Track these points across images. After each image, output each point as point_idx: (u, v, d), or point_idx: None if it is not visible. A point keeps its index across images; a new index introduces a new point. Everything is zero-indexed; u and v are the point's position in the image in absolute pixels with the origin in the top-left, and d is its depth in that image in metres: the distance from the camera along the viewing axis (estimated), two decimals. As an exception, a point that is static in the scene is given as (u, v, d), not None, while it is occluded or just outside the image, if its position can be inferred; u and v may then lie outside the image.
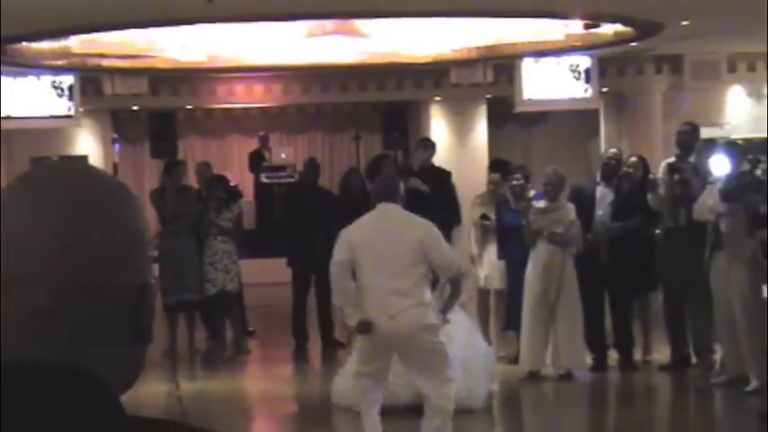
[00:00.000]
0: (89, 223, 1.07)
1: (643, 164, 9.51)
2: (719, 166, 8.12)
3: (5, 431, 0.98)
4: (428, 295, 5.87)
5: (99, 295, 1.06)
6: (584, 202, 8.98)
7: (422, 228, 5.89)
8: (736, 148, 8.40)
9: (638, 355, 9.17)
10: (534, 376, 8.68)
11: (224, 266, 10.24)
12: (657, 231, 9.07)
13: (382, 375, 6.02)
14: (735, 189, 7.74)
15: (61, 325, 1.05)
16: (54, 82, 14.15)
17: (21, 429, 0.98)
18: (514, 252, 9.02)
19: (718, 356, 8.48)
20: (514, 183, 9.34)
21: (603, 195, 9.05)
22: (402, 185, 6.22)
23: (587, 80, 14.64)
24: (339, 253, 5.92)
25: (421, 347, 5.80)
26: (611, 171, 9.14)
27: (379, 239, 5.82)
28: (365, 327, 5.80)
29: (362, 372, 6.03)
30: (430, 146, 10.62)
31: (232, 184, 11.89)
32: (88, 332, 1.06)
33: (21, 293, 1.05)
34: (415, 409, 6.56)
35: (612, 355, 9.10)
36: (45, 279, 1.05)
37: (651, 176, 9.05)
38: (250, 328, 11.33)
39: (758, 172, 8.14)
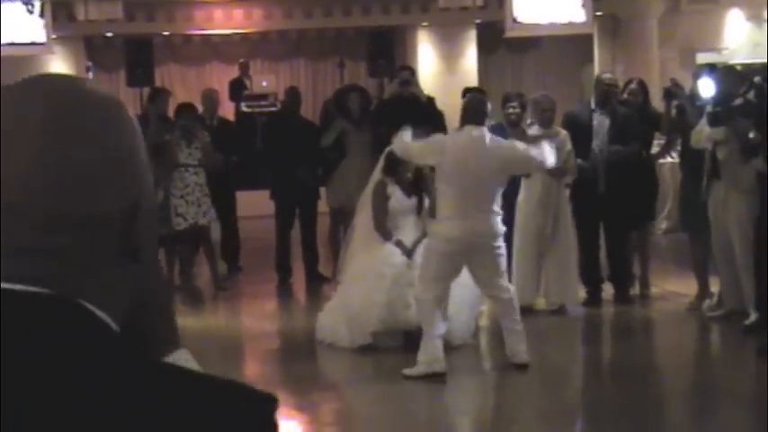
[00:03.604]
0: (69, 143, 1.00)
1: (643, 89, 9.17)
2: (707, 89, 7.86)
3: None
4: (498, 205, 6.63)
5: (83, 222, 1.00)
6: (580, 130, 8.64)
7: (504, 148, 6.68)
8: (721, 71, 8.10)
9: (659, 289, 8.96)
10: (526, 311, 8.44)
11: (196, 199, 9.85)
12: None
13: (447, 291, 6.64)
14: (721, 113, 7.43)
15: (46, 258, 0.99)
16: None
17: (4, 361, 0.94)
18: (509, 183, 8.70)
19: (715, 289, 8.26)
20: (510, 111, 9.00)
21: (600, 123, 8.71)
22: None
23: (581, 1, 14.22)
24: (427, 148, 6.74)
25: (490, 251, 6.56)
26: (607, 97, 8.77)
27: (467, 162, 6.48)
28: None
29: (429, 286, 6.58)
30: (407, 80, 10.24)
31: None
32: (75, 262, 1.00)
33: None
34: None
35: (608, 289, 8.86)
36: (24, 210, 0.99)
37: (667, 87, 8.72)
38: (239, 264, 11.11)
39: (750, 96, 7.80)
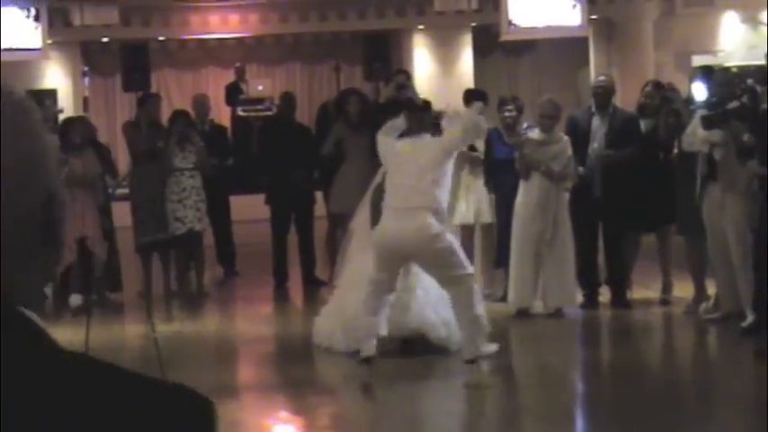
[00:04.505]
0: None
1: (659, 91, 8.96)
2: (701, 93, 7.89)
3: None
4: (437, 208, 6.61)
5: (6, 221, 1.03)
6: (581, 134, 8.64)
7: (435, 142, 6.83)
8: (718, 74, 8.12)
9: (656, 292, 8.92)
10: (523, 314, 8.44)
11: (193, 203, 9.88)
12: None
13: (390, 285, 6.72)
14: (715, 116, 7.43)
15: None
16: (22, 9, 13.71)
17: None
18: (506, 186, 8.70)
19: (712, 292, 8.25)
20: (507, 114, 8.99)
21: (598, 127, 8.70)
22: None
23: (577, 7, 14.26)
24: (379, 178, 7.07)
25: (427, 253, 6.59)
26: (601, 100, 8.76)
27: (397, 158, 6.72)
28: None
29: (373, 278, 6.72)
30: (403, 84, 10.22)
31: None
32: (3, 253, 1.03)
33: None
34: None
35: (605, 292, 8.86)
36: None
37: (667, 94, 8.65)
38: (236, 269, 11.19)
39: (744, 99, 7.81)
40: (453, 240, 6.82)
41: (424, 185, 6.62)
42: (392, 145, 6.91)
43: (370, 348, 6.64)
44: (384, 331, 6.72)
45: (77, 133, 9.58)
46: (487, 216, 9.24)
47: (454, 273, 6.62)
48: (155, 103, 10.37)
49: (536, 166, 8.41)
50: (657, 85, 9.15)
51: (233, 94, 17.01)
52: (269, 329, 8.86)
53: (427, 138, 6.94)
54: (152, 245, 9.92)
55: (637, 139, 8.63)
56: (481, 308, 6.74)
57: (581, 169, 8.57)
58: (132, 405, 0.99)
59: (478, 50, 17.27)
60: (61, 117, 13.49)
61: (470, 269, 6.84)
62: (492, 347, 6.77)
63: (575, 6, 14.65)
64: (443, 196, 6.78)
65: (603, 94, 8.80)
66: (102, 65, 17.72)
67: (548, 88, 14.80)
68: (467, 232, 9.38)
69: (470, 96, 9.73)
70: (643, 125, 8.81)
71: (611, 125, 8.67)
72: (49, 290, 9.91)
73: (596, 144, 8.67)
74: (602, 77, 9.41)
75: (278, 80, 17.98)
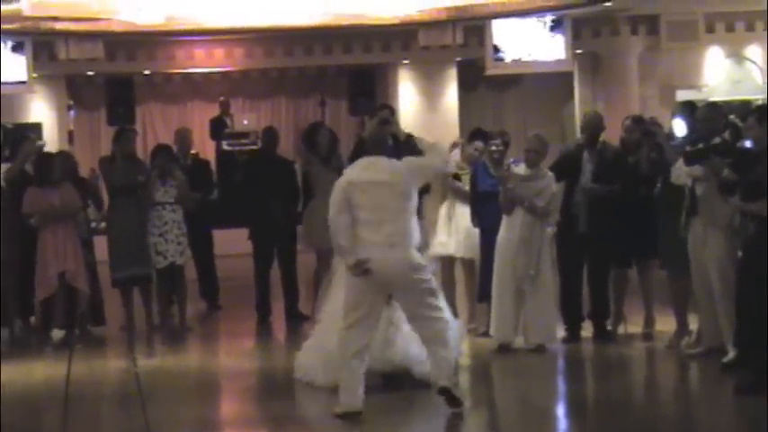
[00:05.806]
0: None
1: (639, 125, 8.94)
2: (681, 129, 7.94)
3: None
4: (417, 236, 6.48)
5: None
6: (572, 168, 8.71)
7: (401, 165, 6.58)
8: (704, 109, 8.18)
9: (638, 327, 8.93)
10: (505, 349, 8.42)
11: (175, 237, 9.92)
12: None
13: (370, 323, 6.47)
14: (695, 152, 7.47)
15: None
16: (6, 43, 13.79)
17: None
18: (491, 220, 8.70)
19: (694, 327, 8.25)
20: (494, 148, 9.01)
21: (587, 161, 8.74)
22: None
23: (561, 41, 14.40)
24: (336, 194, 6.52)
25: (412, 284, 6.39)
26: (588, 138, 8.81)
27: (372, 181, 6.46)
28: (361, 265, 6.36)
29: (349, 321, 6.46)
30: (387, 119, 10.24)
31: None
32: None
33: None
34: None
35: (588, 327, 8.86)
36: None
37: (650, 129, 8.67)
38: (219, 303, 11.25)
39: (726, 135, 7.87)
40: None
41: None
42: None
43: (355, 403, 6.42)
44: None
45: (57, 167, 9.61)
46: (468, 251, 9.23)
47: (431, 313, 6.49)
48: (129, 138, 10.39)
49: (520, 201, 8.43)
50: (637, 120, 9.19)
51: (218, 127, 17.07)
52: (251, 364, 8.84)
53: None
54: (128, 280, 9.93)
55: (625, 175, 8.65)
56: (453, 353, 6.63)
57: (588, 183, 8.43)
58: None
59: (463, 85, 17.38)
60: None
61: (446, 314, 6.65)
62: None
63: (560, 41, 14.78)
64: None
65: (590, 134, 8.82)
66: (87, 98, 17.76)
67: (532, 122, 14.90)
68: (446, 263, 9.39)
69: (475, 136, 9.67)
70: None
71: (600, 160, 8.71)
72: (30, 323, 9.90)
73: (584, 178, 8.70)
74: (592, 112, 9.43)
75: (263, 114, 18.06)
